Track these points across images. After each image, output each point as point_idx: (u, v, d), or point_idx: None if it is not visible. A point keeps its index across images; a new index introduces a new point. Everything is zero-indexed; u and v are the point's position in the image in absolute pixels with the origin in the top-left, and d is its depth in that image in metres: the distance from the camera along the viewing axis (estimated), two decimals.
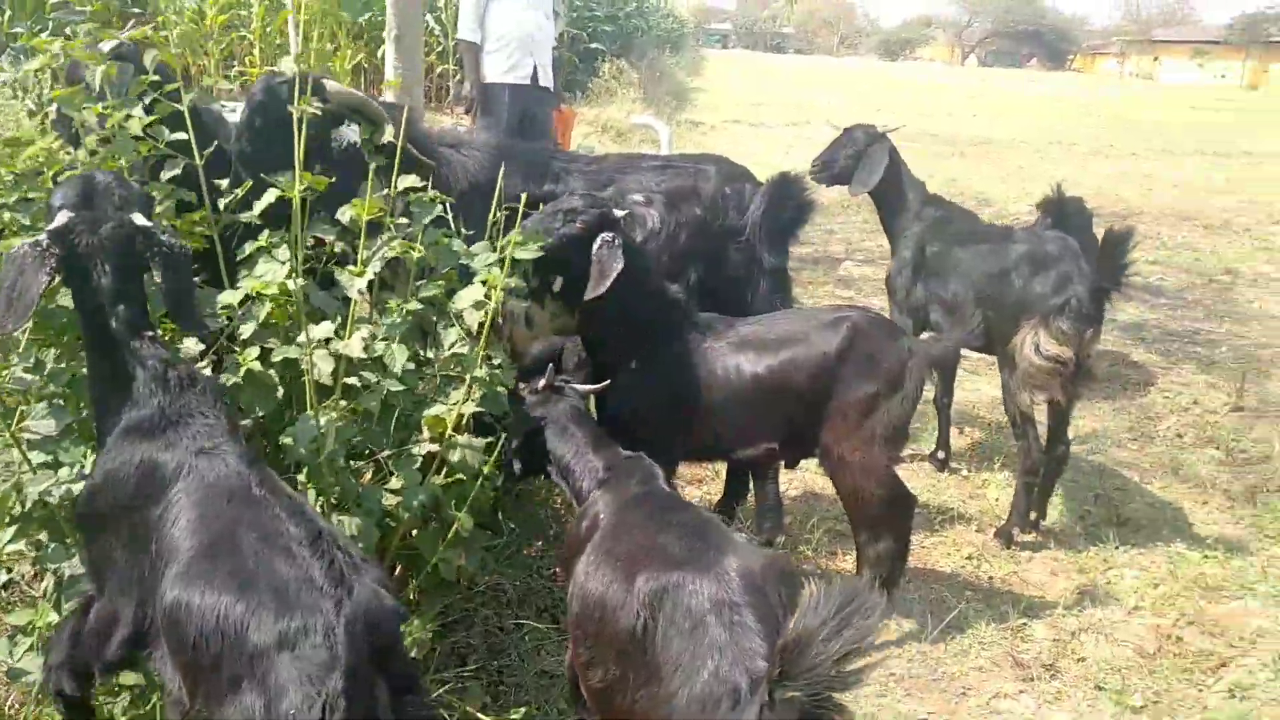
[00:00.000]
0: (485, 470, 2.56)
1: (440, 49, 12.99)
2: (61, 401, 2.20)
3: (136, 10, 11.89)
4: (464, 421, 2.59)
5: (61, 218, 1.93)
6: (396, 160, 2.64)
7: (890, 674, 3.10)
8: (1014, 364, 3.65)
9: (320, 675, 1.47)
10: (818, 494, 4.15)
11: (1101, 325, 3.70)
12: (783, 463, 3.54)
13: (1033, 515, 3.92)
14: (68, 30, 3.33)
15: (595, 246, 2.96)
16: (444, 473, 2.58)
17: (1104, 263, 3.52)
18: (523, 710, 2.67)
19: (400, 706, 1.56)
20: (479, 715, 2.56)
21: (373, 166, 2.68)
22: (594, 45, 14.59)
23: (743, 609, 1.70)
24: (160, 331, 2.17)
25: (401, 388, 2.46)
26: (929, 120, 20.91)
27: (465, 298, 2.54)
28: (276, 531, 1.67)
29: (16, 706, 2.30)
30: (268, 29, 10.62)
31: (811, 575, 1.67)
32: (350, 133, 3.10)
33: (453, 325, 2.66)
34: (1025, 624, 3.38)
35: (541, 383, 2.67)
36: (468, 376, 2.50)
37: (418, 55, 6.37)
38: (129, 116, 2.55)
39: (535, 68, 6.10)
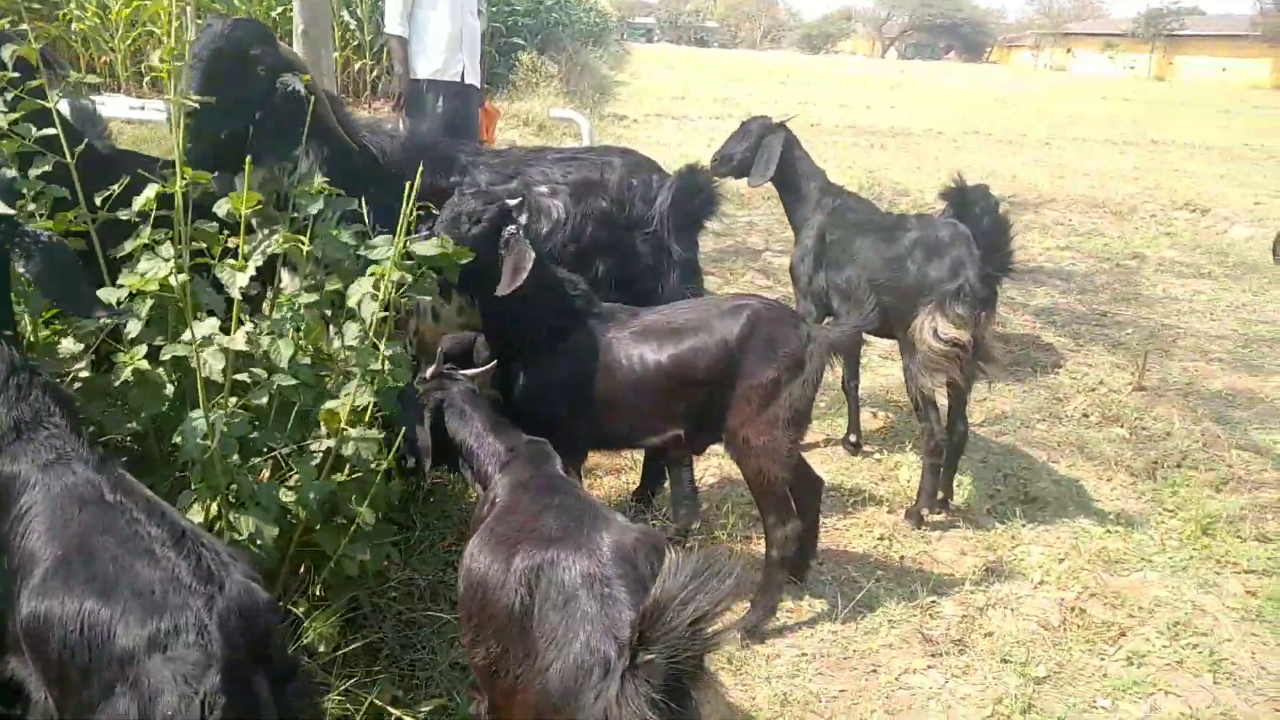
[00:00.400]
0: (384, 464, 2.54)
1: (356, 43, 12.81)
2: None
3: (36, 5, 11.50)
4: (366, 416, 2.55)
5: None
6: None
7: (801, 654, 3.14)
8: (913, 348, 3.72)
9: (196, 674, 1.44)
10: (733, 480, 4.18)
11: (995, 308, 3.79)
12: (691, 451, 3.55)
13: (940, 495, 4.00)
14: None
15: (503, 242, 2.94)
16: (345, 469, 2.55)
17: (991, 249, 3.61)
18: (434, 703, 2.65)
19: (282, 697, 1.53)
20: (389, 709, 2.54)
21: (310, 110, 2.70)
22: (514, 39, 14.49)
23: (613, 581, 1.71)
24: (25, 330, 2.09)
25: (292, 382, 2.41)
26: (848, 112, 21.22)
27: (356, 290, 2.50)
28: (135, 535, 1.63)
29: None
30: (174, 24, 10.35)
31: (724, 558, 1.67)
32: (294, 81, 3.06)
33: (354, 320, 2.63)
34: (934, 601, 3.45)
35: (430, 370, 2.64)
36: (358, 370, 2.46)
37: (326, 49, 6.26)
38: None
39: (464, 65, 6.05)
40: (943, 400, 4.02)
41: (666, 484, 3.87)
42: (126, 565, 1.57)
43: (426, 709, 2.61)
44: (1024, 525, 3.98)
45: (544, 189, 3.50)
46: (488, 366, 2.93)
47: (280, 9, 11.43)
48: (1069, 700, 2.99)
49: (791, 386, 3.08)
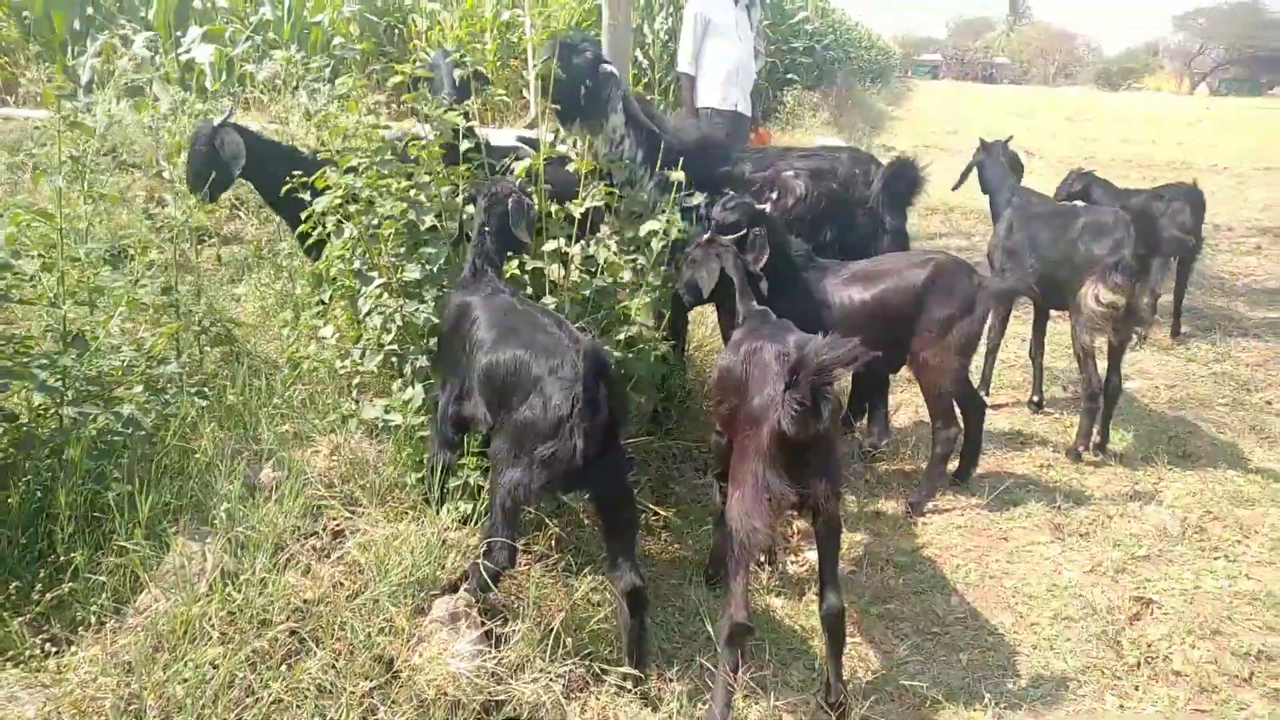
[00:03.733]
0: (658, 347, 3.87)
1: (646, 80, 14.58)
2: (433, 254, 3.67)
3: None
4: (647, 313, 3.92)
5: None
6: None
7: (951, 523, 4.18)
8: (1079, 310, 4.64)
9: (569, 385, 2.77)
10: (917, 420, 5.20)
11: (1149, 280, 4.61)
12: (889, 374, 4.65)
13: (1097, 439, 4.86)
14: None
15: (751, 236, 4.15)
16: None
17: (1143, 232, 4.47)
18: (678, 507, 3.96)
19: (615, 407, 2.82)
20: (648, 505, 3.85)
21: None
22: (789, 76, 15.85)
23: (790, 356, 2.81)
24: None
25: (607, 282, 3.81)
26: (1129, 147, 20.88)
27: (646, 228, 3.86)
28: (536, 322, 3.04)
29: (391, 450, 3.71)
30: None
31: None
32: (611, 65, 4.49)
33: (644, 250, 4.00)
34: (1071, 507, 4.35)
35: (705, 237, 3.80)
36: (644, 284, 3.83)
37: (626, 83, 7.87)
38: None
39: (738, 98, 7.43)
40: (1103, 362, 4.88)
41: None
42: (534, 335, 2.97)
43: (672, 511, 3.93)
44: (1171, 470, 4.76)
45: (790, 173, 4.75)
46: (754, 242, 3.95)
47: None
48: (1160, 571, 3.85)
49: (963, 322, 4.14)
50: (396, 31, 15.23)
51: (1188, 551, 4.03)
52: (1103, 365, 4.84)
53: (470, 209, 3.65)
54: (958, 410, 4.30)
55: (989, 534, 4.13)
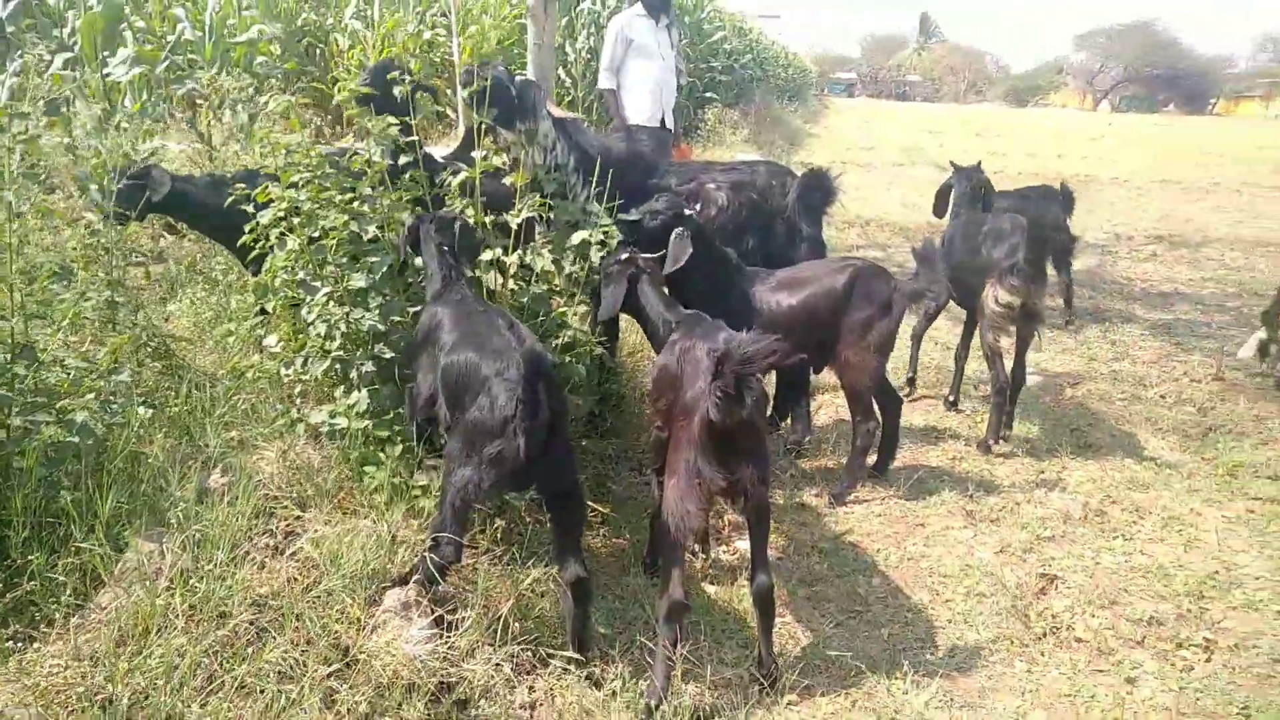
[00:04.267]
0: (593, 348, 4.07)
1: (570, 98, 14.81)
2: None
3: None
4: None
5: None
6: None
7: (870, 511, 4.44)
8: (982, 311, 4.97)
9: (513, 386, 2.93)
10: (837, 419, 5.48)
11: (1044, 282, 4.97)
12: (812, 373, 4.91)
13: (1004, 432, 5.19)
14: None
15: (674, 235, 4.39)
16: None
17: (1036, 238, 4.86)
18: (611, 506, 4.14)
19: (554, 403, 3.00)
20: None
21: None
22: (709, 95, 16.24)
23: (718, 352, 3.05)
24: None
25: (543, 290, 3.99)
26: (1035, 161, 21.73)
27: (578, 237, 4.06)
28: (491, 324, 3.21)
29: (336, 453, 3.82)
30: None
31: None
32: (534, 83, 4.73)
33: (578, 257, 4.20)
34: (982, 494, 4.65)
35: (624, 254, 4.02)
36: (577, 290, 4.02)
37: (550, 99, 8.08)
38: None
39: (663, 113, 7.68)
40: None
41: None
42: (488, 338, 3.13)
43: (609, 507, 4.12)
44: (1073, 459, 5.10)
45: (712, 186, 4.99)
46: (660, 255, 4.18)
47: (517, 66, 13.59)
48: (1064, 550, 4.15)
49: (881, 323, 4.41)
50: (318, 50, 15.23)
51: (1088, 532, 4.34)
52: (1010, 363, 5.19)
53: (407, 220, 3.82)
54: (876, 407, 4.57)
55: (906, 521, 4.39)
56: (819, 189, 4.99)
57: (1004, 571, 3.96)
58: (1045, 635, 3.56)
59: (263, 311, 4.21)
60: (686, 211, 4.46)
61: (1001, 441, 5.21)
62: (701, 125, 15.48)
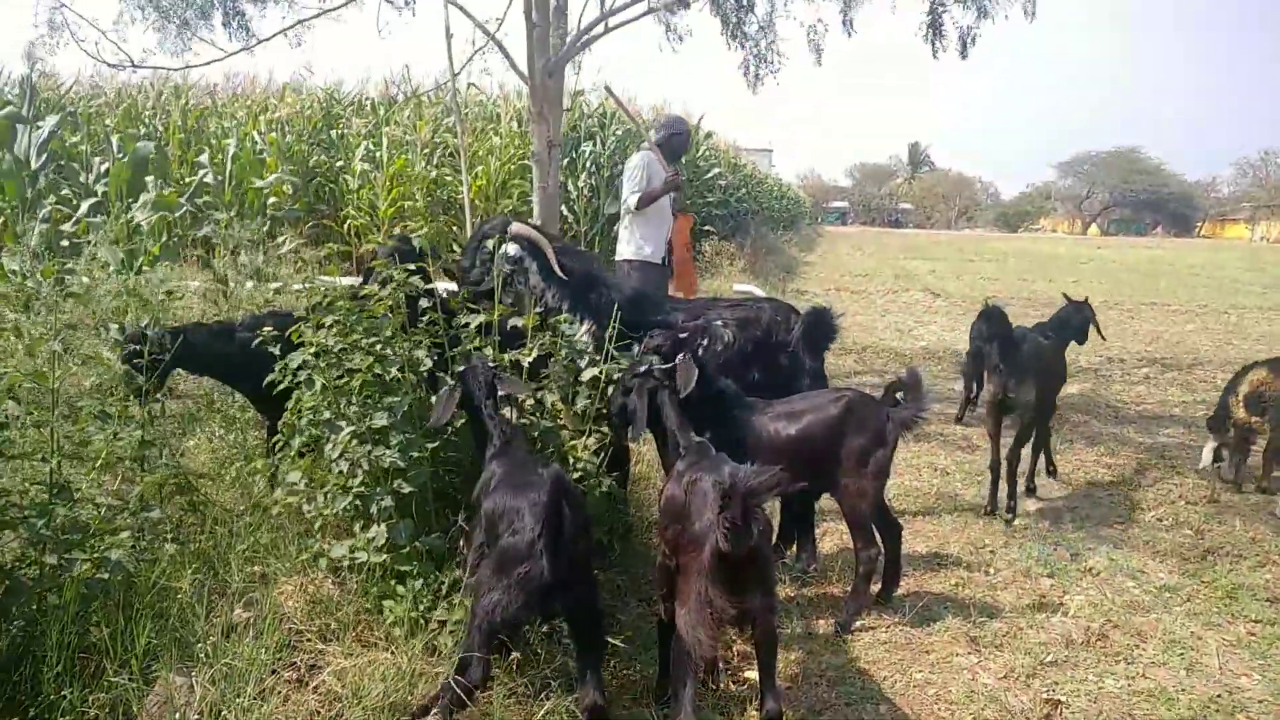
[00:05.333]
0: (604, 480, 4.23)
1: (573, 233, 15.36)
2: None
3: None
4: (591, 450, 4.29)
5: None
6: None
7: (876, 639, 4.52)
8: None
9: (539, 511, 3.11)
10: (841, 546, 5.59)
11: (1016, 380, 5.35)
12: (813, 502, 5.05)
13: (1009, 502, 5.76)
14: None
15: (678, 363, 4.60)
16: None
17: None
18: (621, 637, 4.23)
19: (579, 524, 3.17)
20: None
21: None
22: (706, 228, 16.83)
23: (724, 484, 3.21)
24: None
25: (553, 423, 4.18)
26: (1026, 285, 22.30)
27: (588, 373, 4.27)
28: (528, 466, 3.39)
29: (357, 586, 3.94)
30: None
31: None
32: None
33: (584, 393, 4.40)
34: (984, 620, 4.73)
35: (642, 369, 4.20)
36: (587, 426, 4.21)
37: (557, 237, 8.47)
38: None
39: (664, 251, 8.10)
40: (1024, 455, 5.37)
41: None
42: (525, 478, 3.33)
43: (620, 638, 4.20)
44: (1075, 583, 5.19)
45: (719, 323, 5.24)
46: (681, 370, 4.31)
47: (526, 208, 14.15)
48: (1067, 675, 4.22)
49: (877, 452, 4.58)
50: (328, 189, 15.87)
51: (1091, 656, 4.41)
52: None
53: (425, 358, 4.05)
54: (877, 534, 4.70)
55: (911, 647, 4.47)
56: (821, 325, 5.24)
57: (1008, 697, 4.02)
58: None
59: (288, 446, 4.39)
60: (683, 336, 4.69)
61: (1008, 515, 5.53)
62: (699, 258, 15.99)
